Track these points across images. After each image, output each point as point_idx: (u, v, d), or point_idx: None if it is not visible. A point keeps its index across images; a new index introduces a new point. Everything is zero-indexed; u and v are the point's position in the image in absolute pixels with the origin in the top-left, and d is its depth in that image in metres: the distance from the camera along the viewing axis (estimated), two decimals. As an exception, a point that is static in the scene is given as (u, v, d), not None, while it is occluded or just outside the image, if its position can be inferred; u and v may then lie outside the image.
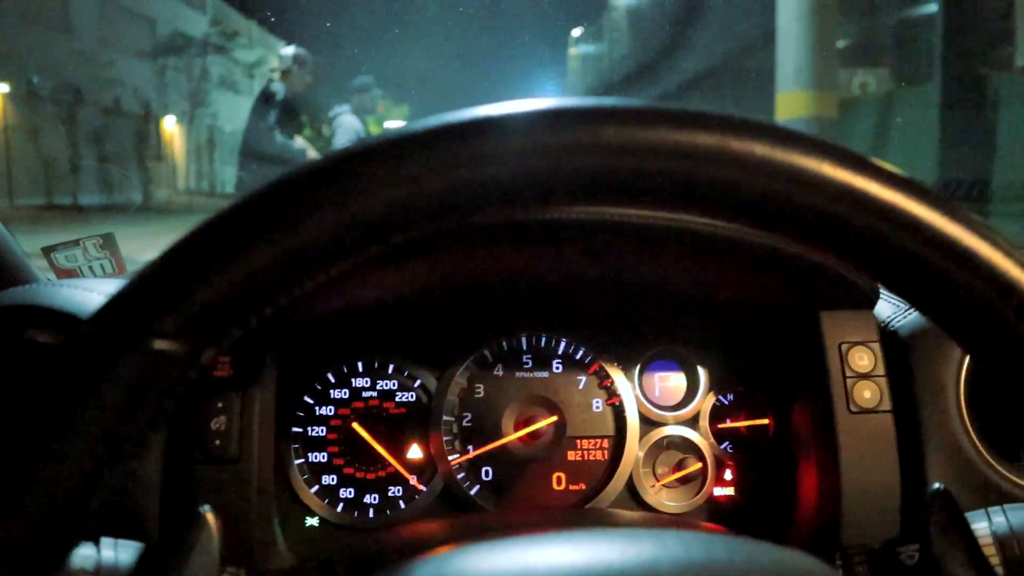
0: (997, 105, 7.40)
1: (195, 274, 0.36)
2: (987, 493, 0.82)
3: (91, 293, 0.85)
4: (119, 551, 0.64)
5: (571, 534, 0.47)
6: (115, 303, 0.37)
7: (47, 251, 1.21)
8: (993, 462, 0.83)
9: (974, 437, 0.84)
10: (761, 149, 0.37)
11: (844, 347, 0.85)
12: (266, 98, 5.04)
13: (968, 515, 0.70)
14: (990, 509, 0.70)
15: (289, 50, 5.28)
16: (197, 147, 19.53)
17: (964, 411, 0.84)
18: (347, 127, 5.47)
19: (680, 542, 0.46)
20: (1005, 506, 0.70)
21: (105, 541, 0.64)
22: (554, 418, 0.96)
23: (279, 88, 5.05)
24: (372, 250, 0.38)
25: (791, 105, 7.06)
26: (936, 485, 0.65)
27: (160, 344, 0.35)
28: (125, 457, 0.37)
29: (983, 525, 0.69)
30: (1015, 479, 0.83)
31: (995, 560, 0.67)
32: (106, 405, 0.35)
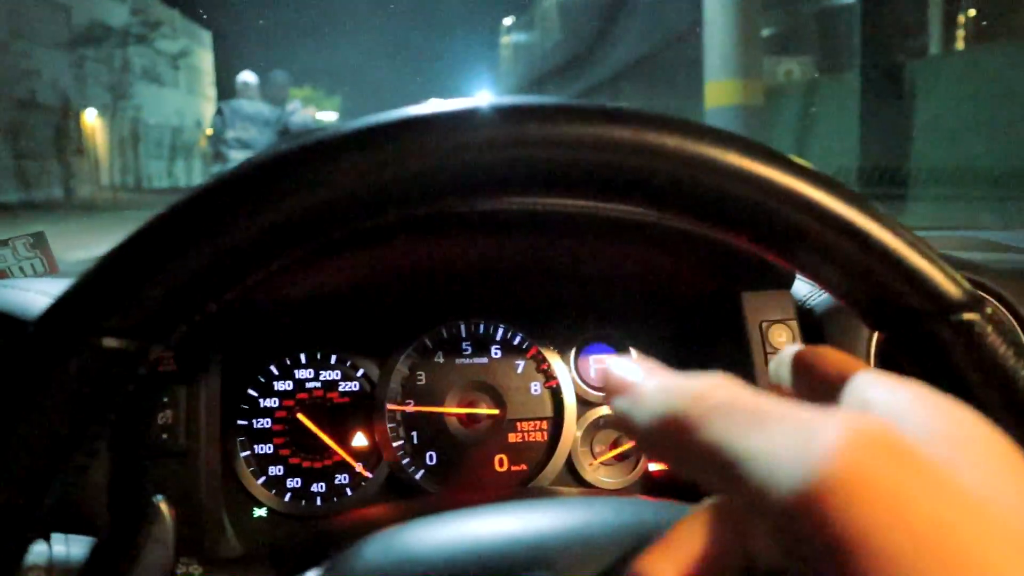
0: (914, 92, 7.69)
1: (142, 271, 0.37)
2: None
3: (27, 292, 0.85)
4: (70, 546, 0.65)
5: (508, 505, 0.51)
6: (62, 302, 0.37)
7: (-25, 252, 1.19)
8: (901, 428, 0.90)
9: (884, 406, 0.90)
10: (672, 141, 0.40)
11: (764, 325, 0.90)
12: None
13: None
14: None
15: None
16: (121, 141, 18.93)
17: (875, 382, 0.90)
18: (303, 116, 5.79)
19: (610, 507, 0.50)
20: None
21: (56, 537, 0.65)
22: (494, 404, 0.99)
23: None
24: (313, 244, 0.40)
25: (719, 93, 7.20)
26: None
27: (109, 342, 0.36)
28: (77, 455, 0.38)
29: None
30: (921, 443, 0.90)
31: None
32: (57, 403, 0.36)
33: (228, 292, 0.39)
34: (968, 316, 0.41)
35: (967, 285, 0.42)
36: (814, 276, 0.44)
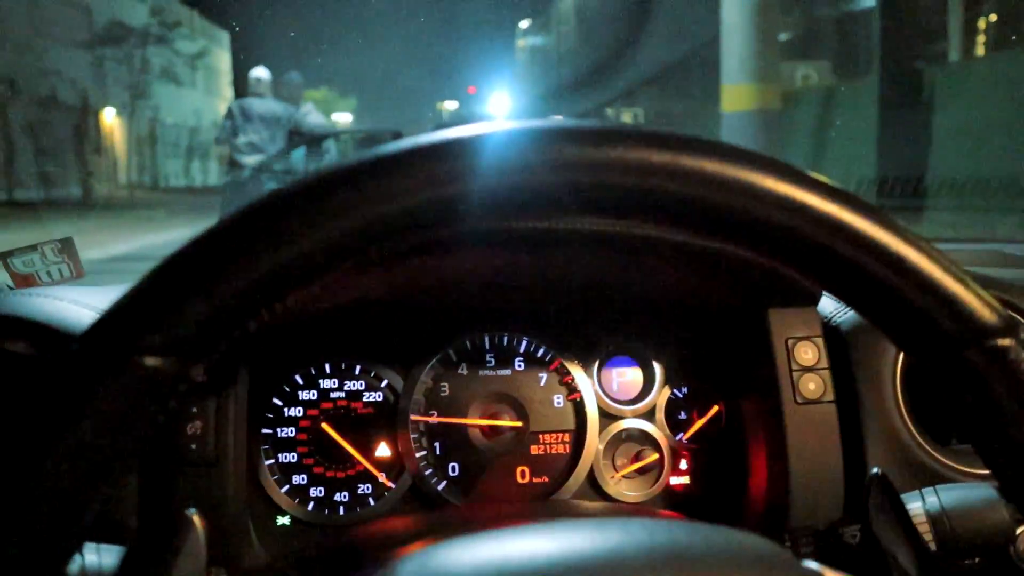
0: (933, 99, 7.64)
1: (184, 292, 0.37)
2: (923, 475, 0.88)
3: (60, 302, 0.86)
4: (102, 555, 0.66)
5: (543, 526, 0.51)
6: (106, 321, 0.38)
7: (3, 256, 1.21)
8: (927, 447, 0.90)
9: (910, 424, 0.90)
10: (711, 165, 0.41)
11: (790, 342, 0.90)
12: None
13: (904, 496, 0.76)
14: (924, 490, 0.76)
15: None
16: (138, 140, 19.08)
17: (901, 400, 0.90)
18: (314, 119, 5.96)
19: (644, 529, 0.50)
20: (937, 487, 0.76)
21: (88, 546, 0.66)
22: (517, 416, 0.99)
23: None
24: (351, 264, 0.40)
25: (736, 97, 7.18)
26: (874, 470, 0.70)
27: (151, 361, 0.37)
28: (120, 470, 0.39)
29: (917, 505, 0.75)
30: (947, 462, 0.89)
31: (928, 537, 0.73)
32: (100, 420, 0.37)
33: (267, 312, 0.40)
34: (1003, 342, 0.41)
35: (1002, 310, 0.42)
36: (848, 300, 0.44)
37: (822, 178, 0.42)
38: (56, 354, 0.38)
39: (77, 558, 0.64)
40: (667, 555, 0.48)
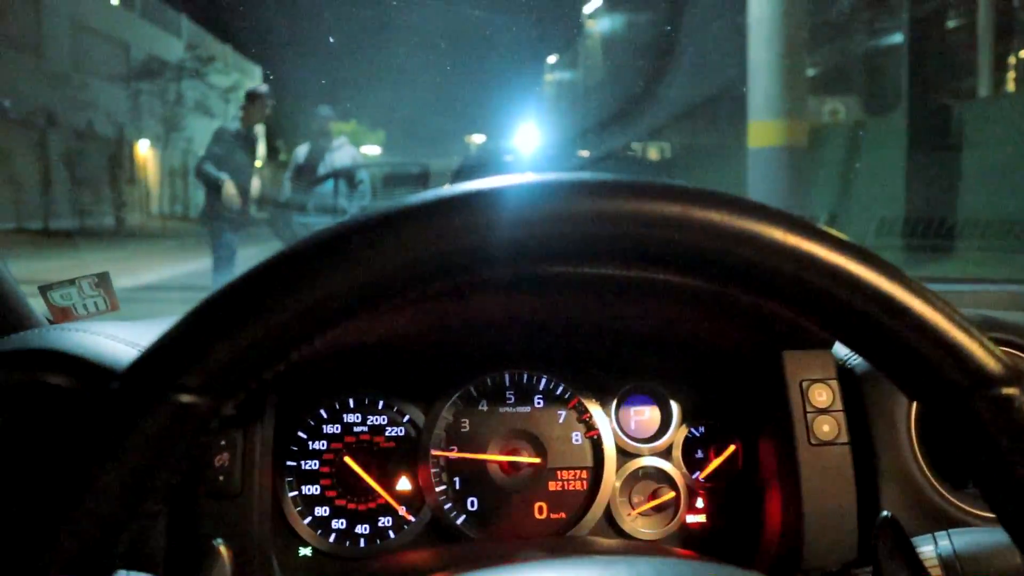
0: (962, 135, 7.58)
1: (217, 334, 0.40)
2: (937, 519, 0.88)
3: (98, 337, 0.90)
4: (133, 582, 0.68)
5: (553, 562, 0.53)
6: (145, 361, 0.41)
7: (43, 290, 1.25)
8: (942, 490, 0.90)
9: (924, 467, 0.90)
10: (719, 217, 0.43)
11: (805, 384, 0.92)
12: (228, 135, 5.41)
13: (916, 539, 0.76)
14: (936, 534, 0.77)
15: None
16: (171, 171, 19.44)
17: (915, 443, 0.91)
18: (347, 152, 5.92)
19: (652, 568, 0.52)
20: (950, 531, 0.77)
21: (119, 573, 0.68)
22: (536, 452, 1.01)
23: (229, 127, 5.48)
24: (378, 309, 0.43)
25: (763, 134, 7.17)
26: (884, 513, 0.71)
27: (186, 398, 0.40)
28: (154, 499, 0.42)
29: (929, 548, 0.75)
30: (961, 505, 0.90)
31: (940, 581, 0.74)
32: (137, 453, 0.39)
33: (296, 353, 0.42)
34: (1007, 391, 0.42)
35: (1006, 359, 0.43)
36: (855, 347, 0.45)
37: (830, 231, 0.44)
38: (98, 390, 0.41)
39: (109, 585, 0.67)
40: None
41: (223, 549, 0.63)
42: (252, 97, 5.55)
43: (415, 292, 0.42)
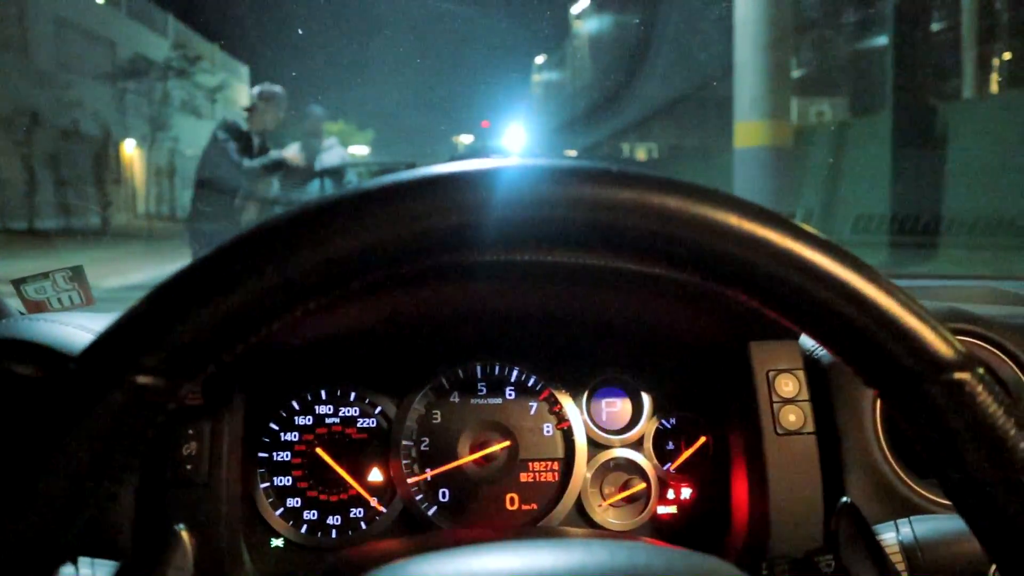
0: (947, 136, 7.64)
1: (174, 315, 0.40)
2: (901, 506, 0.89)
3: (66, 327, 0.90)
4: (96, 570, 0.68)
5: (508, 544, 0.53)
6: (101, 341, 0.41)
7: (17, 283, 1.25)
8: (906, 478, 0.91)
9: (889, 456, 0.91)
10: (678, 204, 0.43)
11: (771, 374, 0.92)
12: (229, 132, 5.09)
13: (879, 526, 0.77)
14: (898, 521, 0.77)
15: (256, 89, 5.40)
16: (157, 171, 19.33)
17: (880, 432, 0.92)
18: (336, 153, 5.74)
19: (606, 549, 0.52)
20: (912, 518, 0.78)
21: (83, 560, 0.69)
22: (507, 442, 1.02)
23: (240, 123, 5.14)
24: (336, 293, 0.43)
25: (748, 134, 7.20)
26: (844, 499, 0.72)
27: (143, 379, 0.40)
28: (110, 481, 0.42)
29: (891, 535, 0.76)
30: (925, 493, 0.91)
31: (902, 567, 0.74)
32: (94, 434, 0.39)
33: (254, 337, 0.42)
34: (959, 376, 0.43)
35: (959, 345, 0.44)
36: (812, 333, 0.46)
37: (784, 216, 0.44)
38: (56, 374, 0.41)
39: (72, 572, 0.67)
40: (625, 574, 0.50)
41: (185, 535, 0.63)
42: (266, 97, 5.22)
43: (376, 275, 0.43)
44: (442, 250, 0.42)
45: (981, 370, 0.44)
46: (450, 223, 0.41)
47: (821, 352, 0.96)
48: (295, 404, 1.00)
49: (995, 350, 0.95)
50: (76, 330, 0.89)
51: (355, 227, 0.41)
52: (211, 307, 0.41)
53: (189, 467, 0.85)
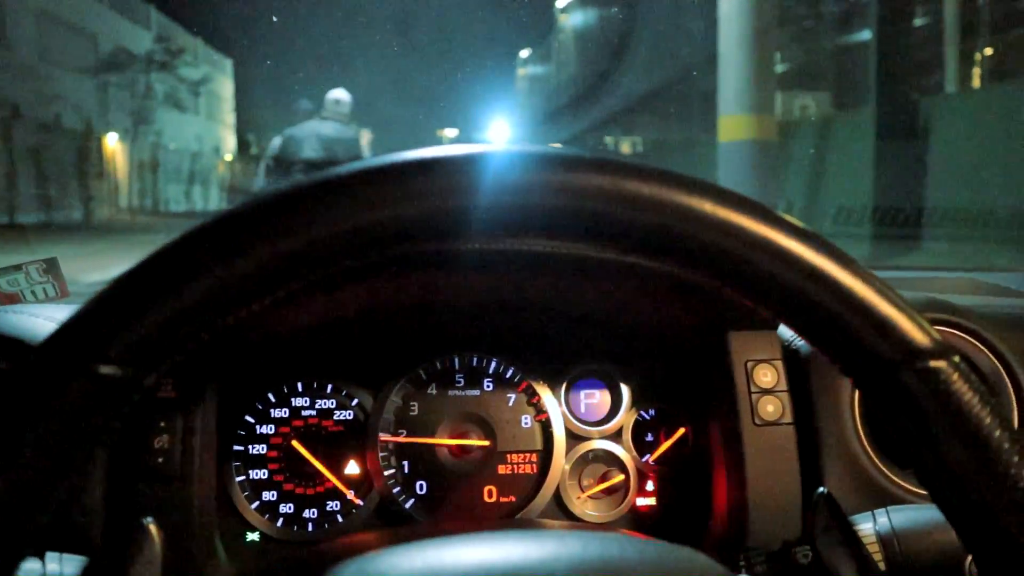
0: (929, 130, 7.69)
1: (138, 304, 0.40)
2: (879, 497, 0.89)
3: (36, 319, 0.88)
4: (64, 564, 0.67)
5: (482, 536, 0.53)
6: (63, 331, 0.40)
7: (-12, 275, 1.23)
8: (884, 468, 0.91)
9: (867, 446, 0.91)
10: (649, 190, 0.43)
11: (750, 364, 0.92)
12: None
13: (856, 517, 0.77)
14: (875, 511, 0.77)
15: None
16: (140, 165, 19.19)
17: (858, 423, 0.92)
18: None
19: (579, 541, 0.52)
20: (889, 508, 0.78)
21: (50, 555, 0.67)
22: (485, 438, 1.01)
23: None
24: (300, 282, 0.42)
25: (733, 128, 7.22)
26: (820, 489, 0.71)
27: (105, 369, 0.39)
28: (72, 473, 0.41)
29: (868, 526, 0.76)
30: (903, 484, 0.91)
31: (878, 557, 0.74)
32: (55, 424, 0.39)
33: (220, 325, 0.41)
34: (934, 363, 0.43)
35: (935, 333, 0.44)
36: (787, 321, 0.46)
37: (760, 203, 0.44)
38: (18, 362, 0.40)
39: (39, 567, 0.66)
40: (597, 565, 0.49)
41: (153, 528, 0.62)
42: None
43: (338, 265, 0.42)
44: (408, 238, 0.42)
45: (957, 358, 0.44)
46: (411, 211, 0.41)
47: (800, 343, 0.96)
48: (271, 396, 0.99)
49: (972, 339, 0.95)
50: (45, 321, 0.88)
51: (320, 215, 0.40)
52: (174, 296, 0.40)
53: (161, 460, 0.84)
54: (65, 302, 1.15)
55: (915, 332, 0.43)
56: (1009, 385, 0.95)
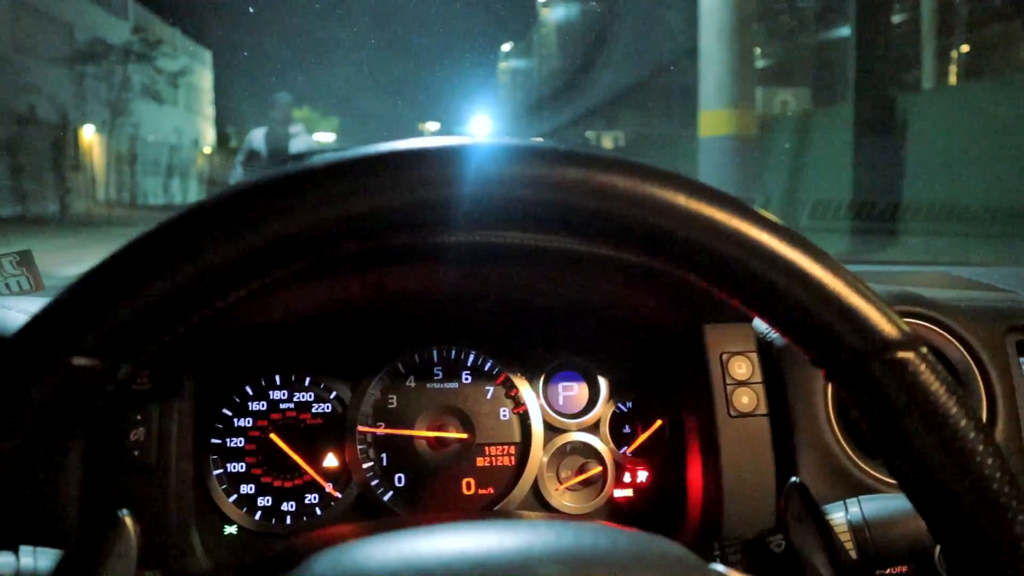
0: (907, 126, 7.76)
1: (112, 295, 0.39)
2: (852, 487, 0.91)
3: (9, 311, 0.88)
4: (38, 558, 0.67)
5: (457, 526, 0.53)
6: (37, 321, 0.40)
7: (-39, 269, 1.21)
8: (856, 459, 0.92)
9: (840, 437, 0.93)
10: (623, 183, 0.43)
11: (725, 357, 0.93)
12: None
13: (829, 506, 0.78)
14: (847, 500, 0.79)
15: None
16: (118, 157, 18.97)
17: (832, 414, 0.93)
18: (303, 140, 5.92)
19: (553, 531, 0.52)
20: (860, 497, 0.79)
21: (24, 549, 0.67)
22: (464, 431, 1.01)
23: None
24: (277, 273, 0.42)
25: (713, 123, 7.24)
26: (793, 479, 0.72)
27: (79, 360, 0.39)
28: (46, 465, 0.41)
29: (840, 515, 0.77)
30: (875, 473, 0.92)
31: (850, 546, 0.76)
32: (28, 416, 0.39)
33: (194, 317, 0.41)
34: (902, 354, 0.43)
35: (903, 324, 0.44)
36: (759, 313, 0.46)
37: (730, 195, 0.44)
38: None
39: (12, 560, 0.66)
40: (571, 554, 0.50)
41: (129, 521, 0.62)
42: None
43: (313, 256, 0.42)
44: (387, 228, 0.42)
45: (924, 349, 0.45)
46: (391, 202, 0.41)
47: (774, 335, 0.97)
48: (248, 389, 0.99)
49: (941, 331, 0.97)
50: (18, 314, 0.87)
51: (296, 206, 0.40)
52: (149, 287, 0.40)
53: (137, 453, 0.84)
54: (39, 295, 1.14)
55: (883, 323, 0.44)
56: (978, 375, 0.96)
